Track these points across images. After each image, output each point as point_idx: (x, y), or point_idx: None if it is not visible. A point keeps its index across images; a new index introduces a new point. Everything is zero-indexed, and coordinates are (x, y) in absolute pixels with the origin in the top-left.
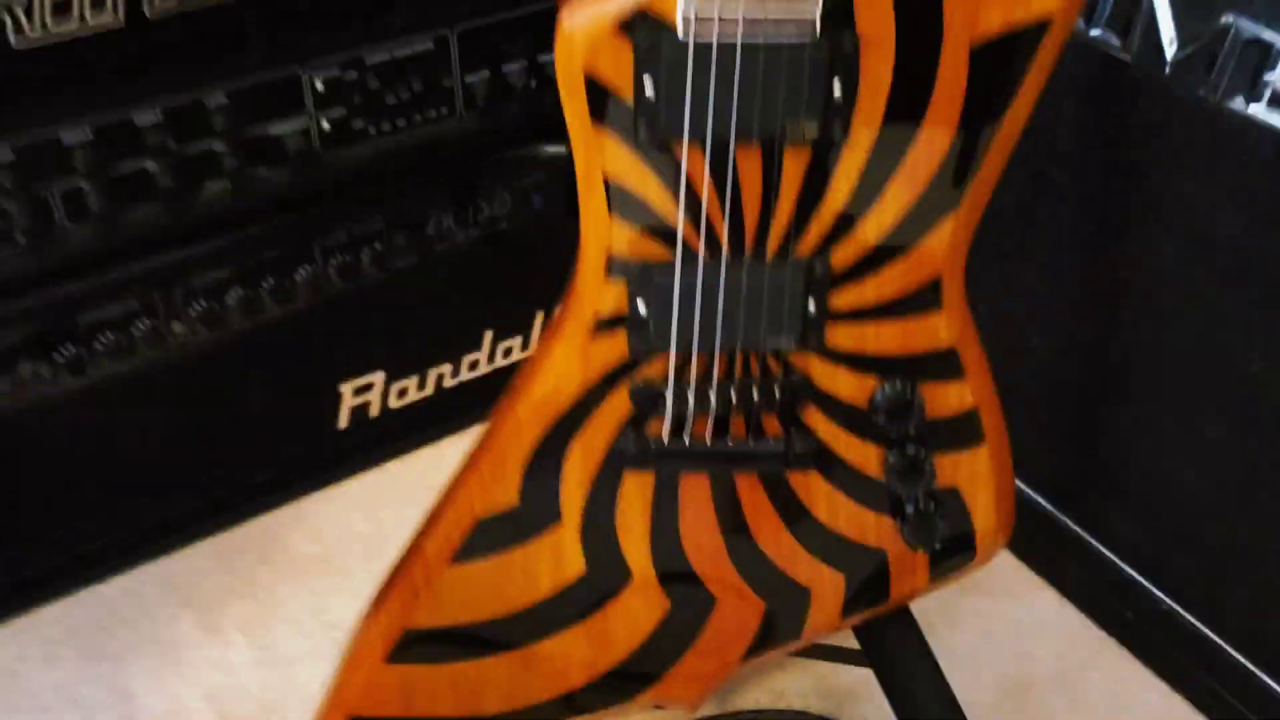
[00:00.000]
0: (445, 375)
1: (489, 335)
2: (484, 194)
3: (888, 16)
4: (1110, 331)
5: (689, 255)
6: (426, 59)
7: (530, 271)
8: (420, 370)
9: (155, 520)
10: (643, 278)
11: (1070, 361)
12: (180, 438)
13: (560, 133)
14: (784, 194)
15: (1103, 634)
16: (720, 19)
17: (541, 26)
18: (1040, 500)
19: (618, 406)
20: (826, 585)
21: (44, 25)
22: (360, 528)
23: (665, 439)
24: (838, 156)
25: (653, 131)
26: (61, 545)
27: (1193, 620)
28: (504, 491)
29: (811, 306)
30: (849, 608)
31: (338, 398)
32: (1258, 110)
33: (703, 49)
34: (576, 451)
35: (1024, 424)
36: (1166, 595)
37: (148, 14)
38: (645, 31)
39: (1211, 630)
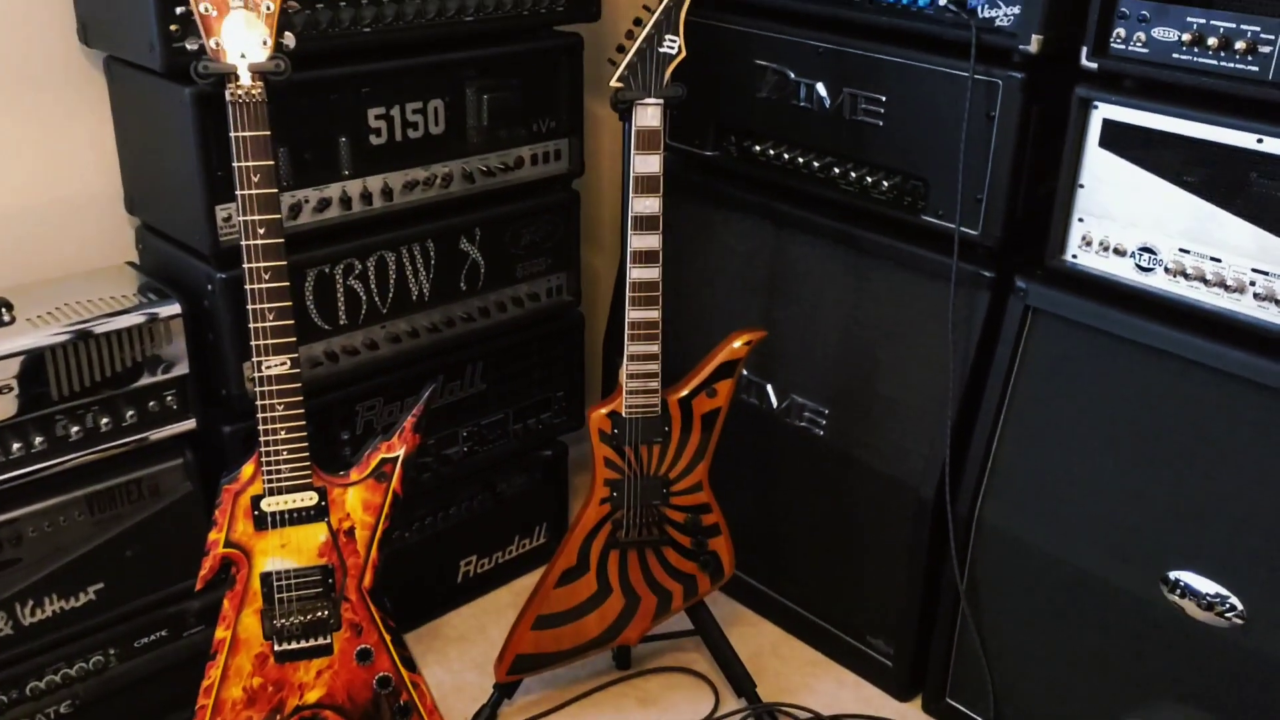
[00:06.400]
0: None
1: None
2: None
3: (676, 409)
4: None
5: (627, 478)
6: None
7: None
8: None
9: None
10: (613, 485)
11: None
12: None
13: None
14: (653, 462)
15: (779, 630)
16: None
17: None
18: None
19: (607, 526)
20: (676, 590)
21: None
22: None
23: (623, 535)
24: (667, 453)
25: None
26: None
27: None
28: (569, 559)
29: (665, 491)
30: (685, 599)
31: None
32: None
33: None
34: (595, 543)
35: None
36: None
37: None
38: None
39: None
